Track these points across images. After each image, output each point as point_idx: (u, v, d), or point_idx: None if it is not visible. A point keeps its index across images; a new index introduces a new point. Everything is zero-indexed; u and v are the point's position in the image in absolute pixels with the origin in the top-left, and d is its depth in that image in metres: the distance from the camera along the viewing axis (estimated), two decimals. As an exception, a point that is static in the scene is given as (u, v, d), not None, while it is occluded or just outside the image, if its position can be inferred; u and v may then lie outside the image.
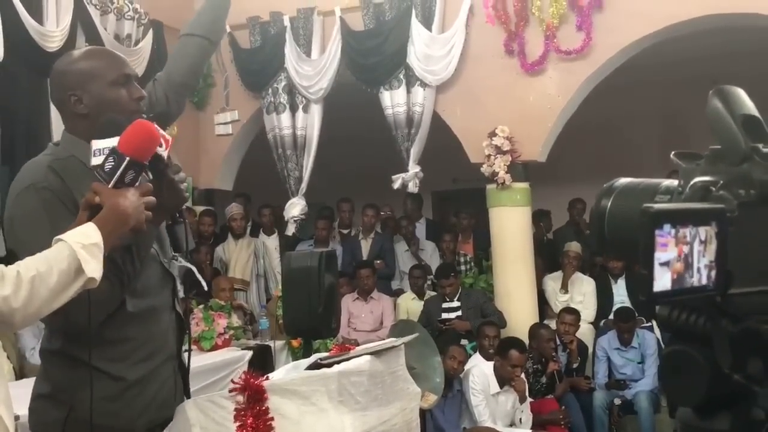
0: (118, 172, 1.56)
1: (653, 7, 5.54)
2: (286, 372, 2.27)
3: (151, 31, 6.12)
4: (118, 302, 1.75)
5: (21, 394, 3.47)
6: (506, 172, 5.88)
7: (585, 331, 5.99)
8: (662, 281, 0.74)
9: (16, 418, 3.06)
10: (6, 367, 4.44)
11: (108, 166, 1.57)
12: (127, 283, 1.72)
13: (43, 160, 1.77)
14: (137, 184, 1.60)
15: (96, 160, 1.60)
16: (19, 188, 1.74)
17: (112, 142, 1.59)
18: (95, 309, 1.62)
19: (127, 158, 1.57)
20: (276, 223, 6.86)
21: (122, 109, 1.78)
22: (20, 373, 4.69)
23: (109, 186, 1.55)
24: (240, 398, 1.92)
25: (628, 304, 6.12)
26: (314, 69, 6.38)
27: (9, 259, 1.57)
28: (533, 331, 5.52)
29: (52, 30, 5.17)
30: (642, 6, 5.57)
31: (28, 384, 4.24)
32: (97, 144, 1.62)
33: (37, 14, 5.08)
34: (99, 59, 1.86)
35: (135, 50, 5.95)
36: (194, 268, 1.98)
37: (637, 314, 5.82)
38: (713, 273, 0.80)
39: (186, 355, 2.01)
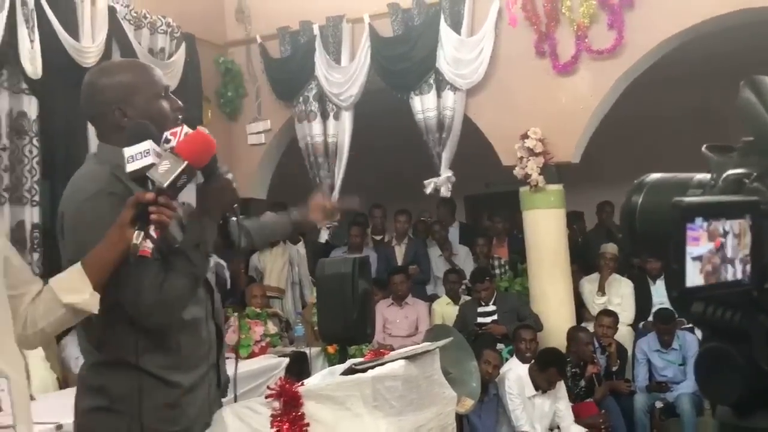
0: (174, 175, 1.59)
1: (685, 3, 5.47)
2: (322, 378, 2.28)
3: (183, 44, 6.22)
4: (192, 297, 1.79)
5: (63, 404, 3.54)
6: (539, 174, 5.84)
7: (624, 334, 5.90)
8: (695, 276, 0.73)
9: (59, 427, 3.14)
10: (50, 378, 4.54)
11: (163, 167, 1.60)
12: (200, 279, 1.78)
13: (102, 168, 1.77)
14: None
15: (129, 167, 1.63)
16: (86, 196, 1.74)
17: (144, 146, 1.62)
18: (175, 305, 1.70)
19: (185, 163, 1.61)
20: (309, 230, 6.89)
21: (166, 120, 1.81)
22: (64, 383, 4.79)
23: (165, 186, 1.58)
24: (276, 404, 1.93)
25: (667, 305, 6.00)
26: (344, 76, 6.41)
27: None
28: (571, 334, 5.45)
29: (88, 46, 5.29)
30: (673, 3, 5.50)
31: (71, 393, 4.33)
32: (129, 151, 1.64)
33: (74, 31, 5.20)
34: (139, 73, 1.89)
35: (168, 63, 6.05)
36: (224, 263, 2.02)
37: (677, 315, 5.72)
38: (748, 267, 0.79)
39: (224, 364, 2.04)
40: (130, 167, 1.63)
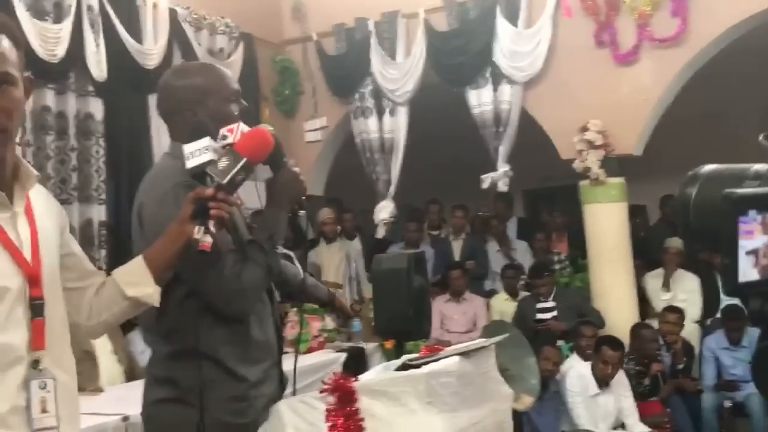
0: (233, 171, 1.62)
1: (753, -12, 5.26)
2: (377, 373, 2.28)
3: (242, 44, 6.33)
4: (266, 288, 1.87)
5: (129, 396, 3.66)
6: (600, 167, 5.71)
7: (691, 331, 5.72)
8: (748, 271, 0.69)
9: (125, 418, 3.25)
10: (117, 371, 4.69)
11: (223, 164, 1.64)
12: (273, 270, 1.84)
13: (177, 163, 1.79)
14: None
15: (189, 163, 1.68)
16: (164, 190, 1.80)
17: (203, 143, 1.68)
18: (252, 294, 1.79)
19: (245, 159, 1.65)
20: (366, 226, 6.93)
21: (231, 122, 1.83)
22: (130, 375, 4.94)
23: (224, 182, 1.61)
24: (331, 399, 1.94)
25: (736, 301, 5.80)
26: (400, 72, 6.41)
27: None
28: (635, 331, 5.32)
29: (151, 48, 5.43)
30: (741, -13, 5.29)
31: (137, 385, 4.46)
32: (188, 148, 1.69)
33: (136, 34, 5.35)
34: (212, 76, 1.96)
35: (227, 63, 6.16)
36: (293, 255, 2.05)
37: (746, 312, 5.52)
38: (810, 262, 0.74)
39: (285, 359, 2.07)
40: (189, 163, 1.68)
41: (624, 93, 5.73)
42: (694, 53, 5.56)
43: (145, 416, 1.95)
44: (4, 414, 1.32)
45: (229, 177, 1.62)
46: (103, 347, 4.50)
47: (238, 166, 1.63)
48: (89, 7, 4.97)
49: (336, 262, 6.47)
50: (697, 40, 5.52)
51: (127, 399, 3.46)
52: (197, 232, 1.56)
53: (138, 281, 1.59)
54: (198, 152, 1.67)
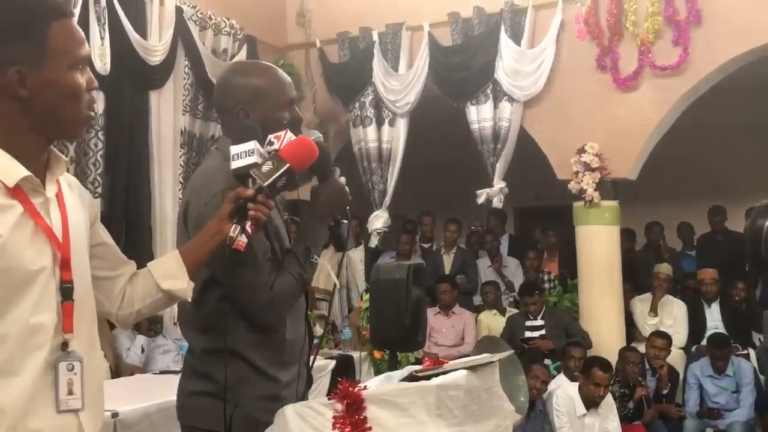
0: (276, 175, 1.66)
1: (753, 22, 5.34)
2: (380, 383, 2.28)
3: (245, 46, 6.32)
4: (299, 296, 1.87)
5: (116, 392, 3.62)
6: (594, 190, 5.76)
7: (675, 357, 5.77)
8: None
9: (115, 414, 3.21)
10: (103, 366, 4.64)
11: (266, 167, 1.66)
12: (306, 279, 1.84)
13: (226, 165, 1.77)
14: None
15: (234, 164, 1.70)
16: (212, 193, 1.79)
17: (249, 146, 1.70)
18: (283, 305, 1.79)
19: (288, 165, 1.68)
20: (361, 234, 6.92)
21: (281, 128, 1.83)
22: (115, 372, 4.89)
23: (265, 185, 1.63)
24: (339, 406, 1.93)
25: (722, 329, 5.86)
26: (401, 83, 6.43)
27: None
28: (622, 354, 5.35)
29: (155, 44, 5.41)
30: (741, 22, 5.38)
31: (124, 383, 4.41)
32: (235, 149, 1.72)
33: (142, 30, 5.33)
34: (273, 80, 1.95)
35: (229, 64, 6.15)
36: (329, 266, 2.06)
37: (732, 341, 5.57)
38: None
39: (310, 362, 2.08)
40: (234, 164, 1.70)
41: (622, 117, 5.79)
42: (694, 82, 5.63)
43: (179, 406, 1.97)
44: (30, 394, 1.33)
45: (270, 180, 1.65)
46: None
47: (281, 171, 1.67)
48: (96, 0, 4.95)
49: (327, 270, 6.43)
50: (698, 69, 5.60)
51: (115, 395, 3.43)
52: (233, 230, 1.59)
53: (173, 275, 1.61)
54: (244, 154, 1.70)
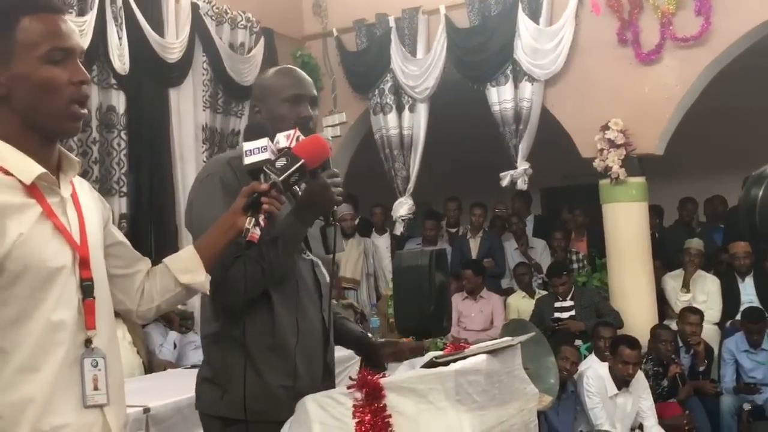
0: (290, 170, 1.69)
1: (780, -14, 5.19)
2: (403, 370, 2.27)
3: (262, 39, 6.33)
4: (263, 287, 1.86)
5: (148, 387, 3.67)
6: (620, 167, 5.67)
7: (709, 333, 5.67)
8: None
9: (147, 410, 3.26)
10: (136, 363, 4.71)
11: (280, 163, 1.70)
12: (268, 271, 1.83)
13: (226, 155, 1.97)
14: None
15: (248, 160, 1.74)
16: (202, 177, 1.96)
17: (262, 142, 1.74)
18: (236, 288, 1.79)
19: (301, 161, 1.71)
20: (386, 222, 6.93)
21: (283, 123, 1.89)
22: (149, 368, 4.96)
23: (279, 180, 1.68)
24: (358, 395, 1.93)
25: (756, 303, 5.75)
26: (420, 68, 6.39)
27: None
28: (654, 332, 5.28)
29: (172, 42, 5.45)
30: (766, -14, 5.23)
31: (155, 378, 4.47)
32: (247, 146, 1.75)
33: (159, 28, 5.36)
34: (281, 76, 2.04)
35: (248, 58, 6.17)
36: (319, 261, 2.06)
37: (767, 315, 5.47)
38: None
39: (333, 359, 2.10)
40: (247, 160, 1.74)
41: (646, 92, 5.68)
42: (718, 53, 5.50)
43: (196, 394, 2.03)
44: (51, 390, 1.35)
45: (285, 175, 1.68)
46: (121, 338, 4.52)
47: (295, 167, 1.70)
48: (112, 0, 4.99)
49: (354, 258, 6.47)
50: (721, 39, 5.47)
51: (147, 391, 3.48)
52: (248, 222, 1.63)
53: (190, 269, 1.64)
54: (257, 150, 1.74)
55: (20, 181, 1.36)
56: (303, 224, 1.88)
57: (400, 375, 2.03)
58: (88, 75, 1.48)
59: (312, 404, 1.97)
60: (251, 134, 1.77)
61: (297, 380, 1.93)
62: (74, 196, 1.48)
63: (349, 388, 1.97)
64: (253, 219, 1.64)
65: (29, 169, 1.38)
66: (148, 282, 1.64)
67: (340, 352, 4.72)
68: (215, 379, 1.91)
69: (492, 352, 2.11)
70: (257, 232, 1.64)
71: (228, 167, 1.89)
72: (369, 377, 1.97)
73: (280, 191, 1.68)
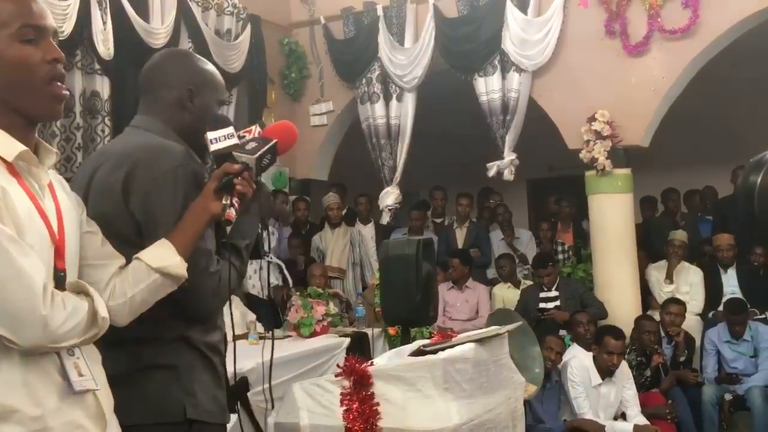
0: (264, 149, 1.73)
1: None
2: (389, 358, 2.27)
3: (249, 26, 6.27)
4: (237, 288, 1.88)
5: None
6: (606, 158, 5.69)
7: (692, 324, 5.72)
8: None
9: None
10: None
11: (250, 146, 1.73)
12: (243, 273, 1.85)
13: (176, 145, 1.78)
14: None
15: (215, 147, 1.74)
16: (162, 170, 1.70)
17: (228, 130, 1.75)
18: (225, 292, 1.76)
19: (275, 141, 1.76)
20: (371, 211, 6.91)
21: (212, 123, 1.83)
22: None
23: (253, 158, 1.70)
24: (346, 383, 1.94)
25: (739, 294, 5.80)
26: (408, 58, 6.36)
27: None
28: (637, 322, 5.32)
29: (158, 27, 5.38)
30: (753, -20, 5.25)
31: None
32: (212, 134, 1.75)
33: (144, 13, 5.30)
34: (218, 76, 1.97)
35: (234, 44, 6.12)
36: (282, 265, 2.07)
37: (749, 306, 5.52)
38: None
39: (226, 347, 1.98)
40: (214, 147, 1.74)
41: (633, 84, 5.70)
42: (705, 45, 5.52)
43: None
44: (33, 383, 1.33)
45: (259, 153, 1.71)
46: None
47: (268, 146, 1.74)
48: (97, -16, 4.92)
49: (340, 247, 6.45)
50: (708, 32, 5.48)
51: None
52: (225, 199, 1.64)
53: (163, 256, 1.58)
54: (223, 138, 1.74)
55: (2, 159, 1.34)
56: (257, 226, 1.89)
57: (388, 363, 2.03)
58: (63, 54, 1.46)
59: (299, 391, 1.97)
60: (215, 125, 1.78)
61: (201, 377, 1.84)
62: (50, 187, 1.46)
63: (336, 375, 1.97)
64: (229, 198, 1.66)
65: (12, 145, 1.36)
66: (119, 277, 1.56)
67: (328, 340, 4.74)
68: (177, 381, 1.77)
69: (480, 341, 2.12)
70: (233, 212, 1.68)
71: (188, 155, 1.77)
72: (357, 365, 1.97)
73: (252, 173, 1.70)
